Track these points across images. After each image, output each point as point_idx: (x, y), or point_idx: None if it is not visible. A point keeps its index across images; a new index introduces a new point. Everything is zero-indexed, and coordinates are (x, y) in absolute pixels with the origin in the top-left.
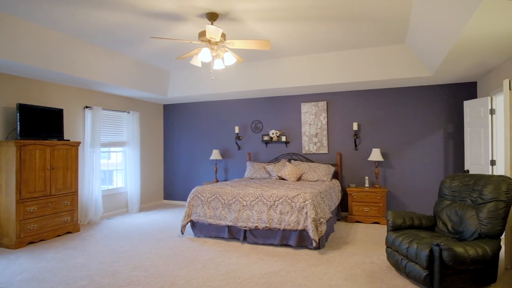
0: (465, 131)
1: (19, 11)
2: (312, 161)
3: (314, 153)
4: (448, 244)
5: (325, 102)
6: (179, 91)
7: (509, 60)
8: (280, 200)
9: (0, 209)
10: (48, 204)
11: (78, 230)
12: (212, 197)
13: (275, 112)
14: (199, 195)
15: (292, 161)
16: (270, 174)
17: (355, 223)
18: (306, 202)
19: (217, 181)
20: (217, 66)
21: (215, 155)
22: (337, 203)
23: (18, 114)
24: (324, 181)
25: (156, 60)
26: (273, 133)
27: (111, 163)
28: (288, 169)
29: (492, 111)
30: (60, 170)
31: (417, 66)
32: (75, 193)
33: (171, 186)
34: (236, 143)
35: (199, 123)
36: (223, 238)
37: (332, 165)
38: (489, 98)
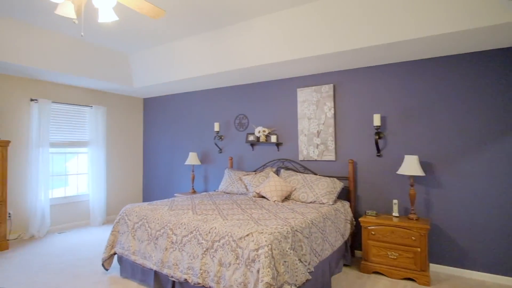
0: None
1: None
2: (313, 172)
3: (316, 160)
4: None
5: (332, 85)
6: (144, 80)
7: None
8: (221, 241)
9: None
10: None
11: (6, 248)
12: (139, 223)
13: (263, 102)
14: (126, 218)
15: (283, 170)
16: (247, 189)
17: (373, 276)
18: (260, 252)
19: (194, 192)
20: (103, 18)
21: (192, 159)
22: (340, 242)
23: None
24: (323, 204)
25: (104, 39)
26: (259, 132)
27: (71, 166)
28: (270, 184)
29: None
30: None
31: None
32: (2, 202)
33: (150, 194)
34: (216, 145)
35: (177, 120)
36: (148, 286)
37: (341, 178)
38: None
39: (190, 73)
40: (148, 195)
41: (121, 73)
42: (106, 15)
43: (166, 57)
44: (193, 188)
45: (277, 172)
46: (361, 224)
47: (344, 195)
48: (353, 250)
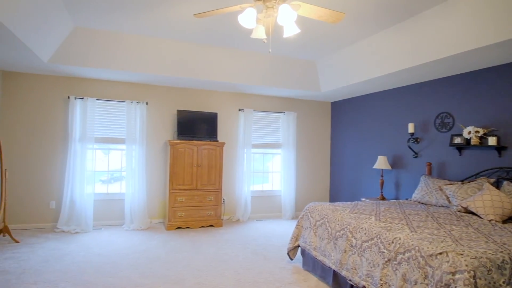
0: None
1: (164, 32)
2: None
3: None
4: None
5: None
6: (331, 84)
7: None
8: (406, 255)
9: (165, 196)
10: (194, 197)
11: (220, 226)
12: (321, 221)
13: (475, 96)
14: (309, 215)
15: (507, 182)
16: (449, 201)
17: None
18: (457, 277)
19: (383, 198)
20: (287, 32)
21: (381, 163)
22: None
23: (176, 118)
24: None
25: (296, 51)
26: (469, 133)
27: (267, 164)
28: (485, 197)
29: None
30: (205, 168)
31: None
32: (218, 190)
33: (337, 195)
34: (410, 148)
35: (365, 122)
36: (327, 284)
37: None
38: None
39: (380, 71)
40: (334, 196)
41: (309, 80)
42: (290, 29)
43: (352, 59)
44: (381, 194)
45: (496, 184)
46: None
47: None
48: None
